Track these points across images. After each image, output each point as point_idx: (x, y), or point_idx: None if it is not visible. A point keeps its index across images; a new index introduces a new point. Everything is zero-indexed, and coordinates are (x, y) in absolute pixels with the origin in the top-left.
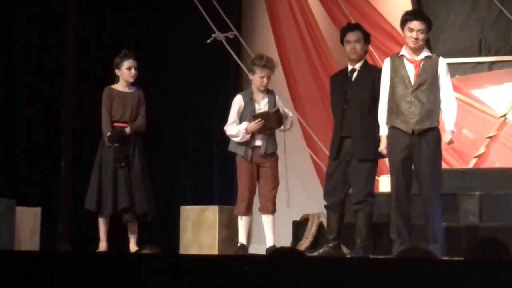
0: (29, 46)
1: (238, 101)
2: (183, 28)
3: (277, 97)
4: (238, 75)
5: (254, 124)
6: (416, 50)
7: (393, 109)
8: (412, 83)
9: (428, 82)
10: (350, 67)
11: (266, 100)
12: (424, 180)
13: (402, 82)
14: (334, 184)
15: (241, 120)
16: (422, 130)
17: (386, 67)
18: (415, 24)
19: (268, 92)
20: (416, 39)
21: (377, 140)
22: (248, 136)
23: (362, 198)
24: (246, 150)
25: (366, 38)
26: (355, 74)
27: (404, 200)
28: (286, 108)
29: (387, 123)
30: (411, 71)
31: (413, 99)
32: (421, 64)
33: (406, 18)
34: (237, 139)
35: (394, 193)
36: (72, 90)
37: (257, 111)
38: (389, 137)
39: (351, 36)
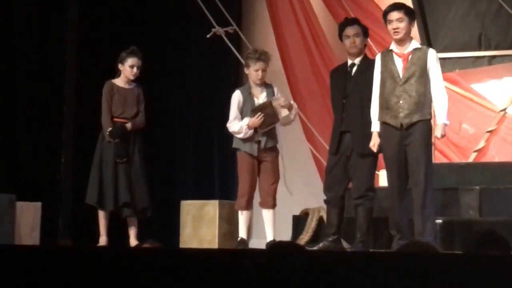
0: (30, 42)
1: (237, 97)
2: (183, 23)
3: (276, 89)
4: (238, 70)
5: (255, 119)
6: (403, 43)
7: (383, 104)
8: (401, 76)
9: (417, 74)
10: (349, 62)
11: (264, 94)
12: (414, 173)
13: (391, 76)
14: (334, 179)
15: (242, 115)
16: (411, 124)
17: (377, 63)
18: (392, 15)
19: (267, 86)
20: (396, 29)
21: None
22: (251, 131)
23: (362, 192)
24: (251, 146)
25: (365, 32)
26: (354, 69)
27: (400, 194)
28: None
29: (379, 119)
30: (399, 65)
31: (401, 93)
32: (409, 57)
33: (385, 12)
34: (240, 136)
35: (390, 188)
36: (73, 85)
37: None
38: (381, 133)
39: (350, 30)
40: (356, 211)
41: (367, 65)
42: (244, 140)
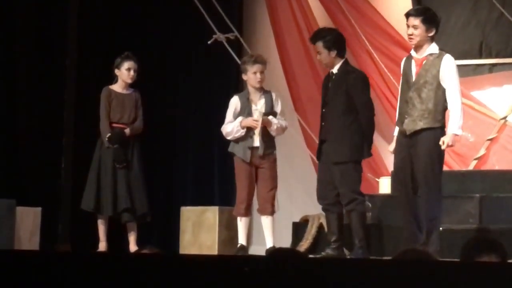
0: (30, 47)
1: (234, 102)
2: (184, 29)
3: (274, 96)
4: (238, 76)
5: (251, 121)
6: (419, 48)
7: (398, 109)
8: (413, 81)
9: (429, 81)
10: (331, 71)
11: (263, 100)
12: (419, 182)
13: (406, 81)
14: (323, 187)
15: None
16: (416, 131)
17: (401, 68)
18: (409, 20)
19: (265, 92)
20: (410, 35)
21: (353, 143)
22: (243, 131)
23: (350, 198)
24: (244, 151)
25: (331, 45)
26: (333, 78)
27: (405, 201)
28: (285, 109)
29: (396, 123)
30: (413, 70)
31: (410, 99)
32: (424, 62)
33: (406, 13)
34: (231, 136)
35: (397, 195)
36: (73, 91)
37: (254, 111)
38: (396, 138)
39: (314, 47)
40: (349, 218)
41: (343, 74)
42: (237, 144)
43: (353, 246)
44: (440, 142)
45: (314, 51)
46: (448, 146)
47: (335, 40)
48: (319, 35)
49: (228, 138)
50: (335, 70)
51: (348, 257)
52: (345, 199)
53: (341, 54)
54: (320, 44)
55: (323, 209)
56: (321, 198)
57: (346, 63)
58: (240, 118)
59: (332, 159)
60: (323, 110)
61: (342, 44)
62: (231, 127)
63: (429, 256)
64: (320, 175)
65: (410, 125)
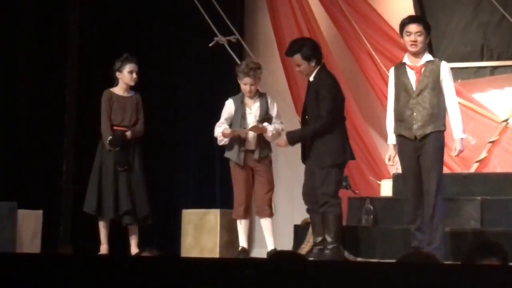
0: (32, 50)
1: (229, 105)
2: (185, 32)
3: (269, 99)
4: None
5: (228, 132)
6: (417, 55)
7: (397, 117)
8: (414, 89)
9: (430, 87)
10: (308, 79)
11: (257, 104)
12: (425, 183)
13: (405, 89)
14: (307, 186)
15: (232, 124)
16: (424, 135)
17: (391, 76)
18: (412, 27)
19: (260, 95)
20: (415, 41)
21: (334, 147)
22: (226, 140)
23: (324, 200)
24: (238, 155)
25: (309, 56)
26: (309, 86)
27: (417, 204)
28: (281, 113)
29: (395, 131)
30: (412, 78)
31: (415, 105)
32: (422, 69)
33: (403, 22)
34: (218, 141)
35: (407, 197)
36: (75, 93)
37: (248, 115)
38: (398, 145)
39: (293, 61)
40: (324, 218)
41: (316, 81)
42: (232, 149)
43: (325, 243)
44: (453, 152)
45: (293, 63)
46: (460, 152)
47: (312, 49)
48: (295, 47)
49: (216, 141)
50: (311, 78)
51: (310, 255)
52: (320, 201)
53: (319, 62)
54: (298, 57)
55: (307, 210)
56: (305, 198)
57: (320, 70)
58: (224, 127)
59: (316, 163)
60: (306, 117)
61: (319, 52)
62: (216, 133)
63: (433, 258)
64: (305, 176)
65: (420, 130)
